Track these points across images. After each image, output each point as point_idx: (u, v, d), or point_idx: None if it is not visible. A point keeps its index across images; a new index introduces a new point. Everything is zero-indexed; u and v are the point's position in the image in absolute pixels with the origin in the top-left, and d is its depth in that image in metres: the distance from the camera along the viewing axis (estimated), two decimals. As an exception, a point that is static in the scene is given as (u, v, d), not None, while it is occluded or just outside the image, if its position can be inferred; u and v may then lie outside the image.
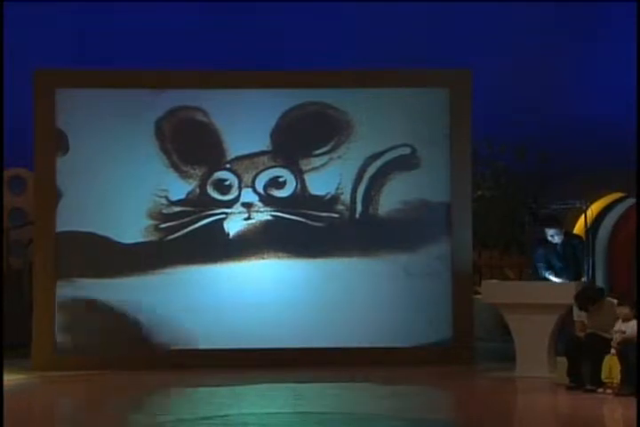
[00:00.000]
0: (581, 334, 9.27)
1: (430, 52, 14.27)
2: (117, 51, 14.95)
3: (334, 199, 11.13)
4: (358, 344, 10.93)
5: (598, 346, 8.96)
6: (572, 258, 10.27)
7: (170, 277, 10.96)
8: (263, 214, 11.07)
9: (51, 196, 10.96)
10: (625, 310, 8.98)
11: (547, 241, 10.31)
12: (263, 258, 11.02)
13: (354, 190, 11.15)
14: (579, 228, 12.20)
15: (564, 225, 10.66)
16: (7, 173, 13.45)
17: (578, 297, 9.38)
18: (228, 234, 11.04)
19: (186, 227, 11.03)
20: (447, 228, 11.09)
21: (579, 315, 9.39)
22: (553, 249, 10.29)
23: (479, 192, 13.70)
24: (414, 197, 11.14)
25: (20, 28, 13.67)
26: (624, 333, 8.87)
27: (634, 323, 8.88)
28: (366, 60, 13.31)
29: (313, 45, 15.40)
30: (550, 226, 10.27)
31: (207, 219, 11.05)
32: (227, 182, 11.08)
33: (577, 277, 10.16)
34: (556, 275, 10.23)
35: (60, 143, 11.01)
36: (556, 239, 10.26)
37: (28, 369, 10.63)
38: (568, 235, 10.46)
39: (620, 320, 8.98)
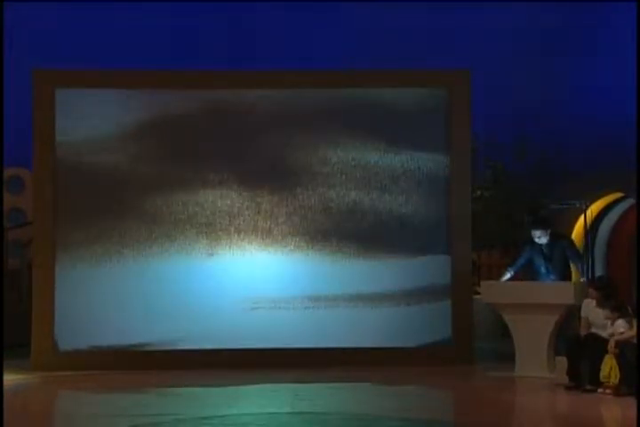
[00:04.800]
0: (583, 333, 9.29)
1: (429, 53, 14.29)
2: (117, 51, 14.96)
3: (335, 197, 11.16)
4: (358, 344, 10.94)
5: (598, 346, 8.96)
6: (558, 259, 10.34)
7: (171, 275, 10.98)
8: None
9: (50, 196, 10.96)
10: (607, 312, 9.04)
11: (534, 242, 10.39)
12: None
13: (354, 190, 11.16)
14: (578, 228, 12.21)
15: (554, 226, 10.71)
16: (6, 173, 13.46)
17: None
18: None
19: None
20: (447, 228, 11.10)
21: (585, 310, 9.41)
22: (538, 250, 10.36)
23: (479, 192, 13.71)
24: (414, 198, 11.15)
25: (19, 28, 13.68)
26: (613, 335, 8.91)
27: (619, 324, 8.93)
28: (366, 60, 13.32)
29: (312, 45, 15.41)
30: (536, 228, 10.32)
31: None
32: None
33: (563, 278, 10.25)
34: (541, 276, 10.32)
35: (60, 143, 11.00)
36: (543, 240, 10.33)
37: (28, 369, 10.63)
38: (555, 236, 10.49)
39: (609, 322, 9.03)
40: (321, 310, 11.01)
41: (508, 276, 10.39)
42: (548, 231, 10.36)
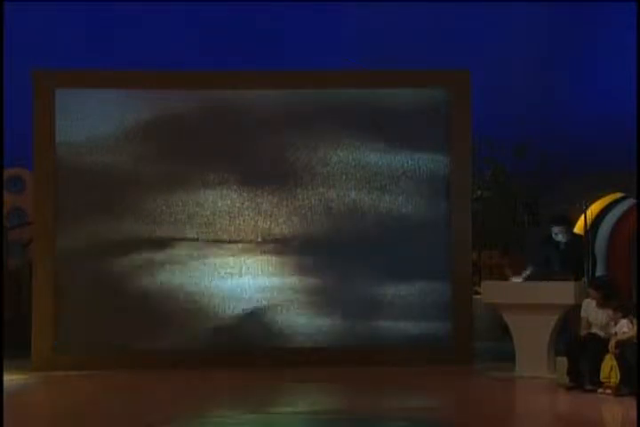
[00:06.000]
0: (583, 333, 9.29)
1: (429, 53, 14.29)
2: (117, 51, 14.96)
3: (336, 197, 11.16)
4: (358, 344, 10.93)
5: (598, 346, 8.96)
6: (574, 258, 10.29)
7: (171, 275, 10.99)
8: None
9: (50, 196, 10.95)
10: (608, 312, 9.04)
11: (551, 238, 10.35)
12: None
13: (354, 190, 11.16)
14: (578, 228, 12.21)
15: (572, 225, 10.68)
16: (7, 173, 13.45)
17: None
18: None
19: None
20: (447, 228, 11.10)
21: (585, 310, 9.41)
22: (555, 247, 10.33)
23: (479, 192, 13.71)
24: (414, 198, 11.15)
25: (20, 28, 13.68)
26: (615, 335, 8.92)
27: (622, 324, 8.93)
28: (366, 60, 13.33)
29: (313, 45, 15.41)
30: (557, 224, 10.30)
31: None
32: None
33: (575, 277, 10.19)
34: (554, 273, 10.27)
35: (60, 143, 11.00)
36: (560, 237, 10.30)
37: (28, 369, 10.63)
38: (575, 235, 10.46)
39: (612, 323, 9.03)
40: (321, 310, 11.01)
41: (527, 273, 10.28)
42: (567, 229, 10.35)
